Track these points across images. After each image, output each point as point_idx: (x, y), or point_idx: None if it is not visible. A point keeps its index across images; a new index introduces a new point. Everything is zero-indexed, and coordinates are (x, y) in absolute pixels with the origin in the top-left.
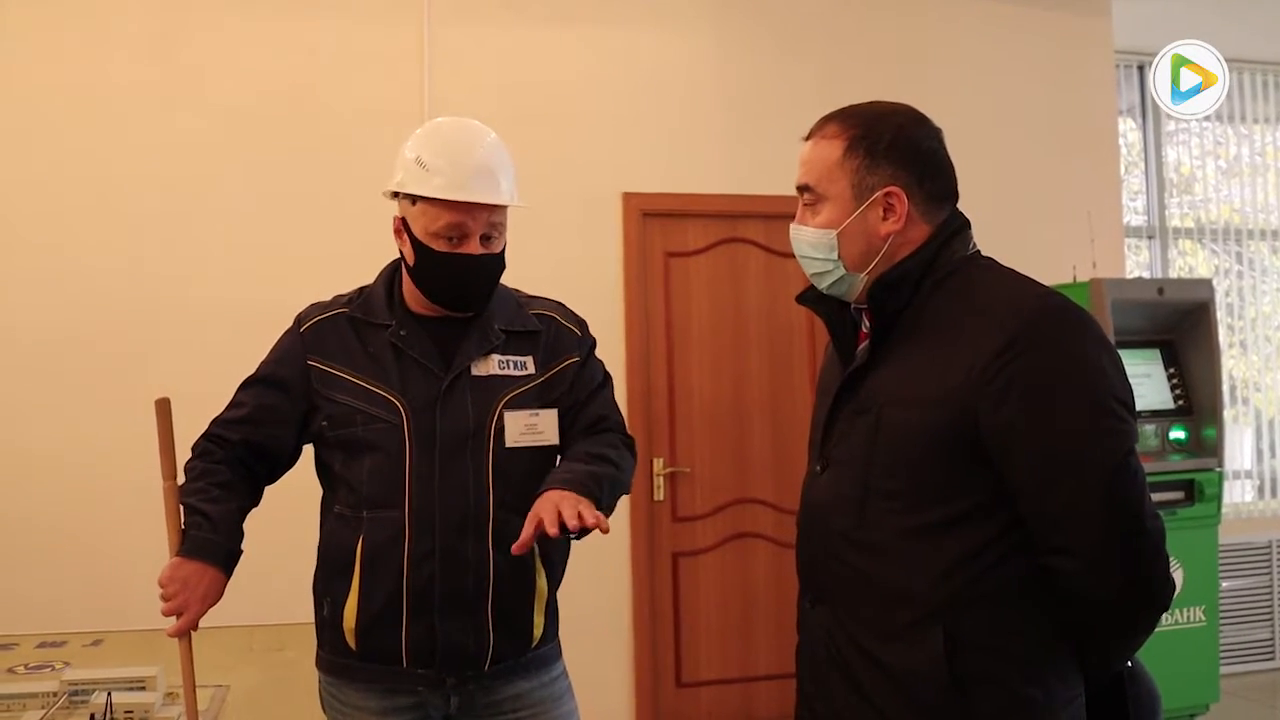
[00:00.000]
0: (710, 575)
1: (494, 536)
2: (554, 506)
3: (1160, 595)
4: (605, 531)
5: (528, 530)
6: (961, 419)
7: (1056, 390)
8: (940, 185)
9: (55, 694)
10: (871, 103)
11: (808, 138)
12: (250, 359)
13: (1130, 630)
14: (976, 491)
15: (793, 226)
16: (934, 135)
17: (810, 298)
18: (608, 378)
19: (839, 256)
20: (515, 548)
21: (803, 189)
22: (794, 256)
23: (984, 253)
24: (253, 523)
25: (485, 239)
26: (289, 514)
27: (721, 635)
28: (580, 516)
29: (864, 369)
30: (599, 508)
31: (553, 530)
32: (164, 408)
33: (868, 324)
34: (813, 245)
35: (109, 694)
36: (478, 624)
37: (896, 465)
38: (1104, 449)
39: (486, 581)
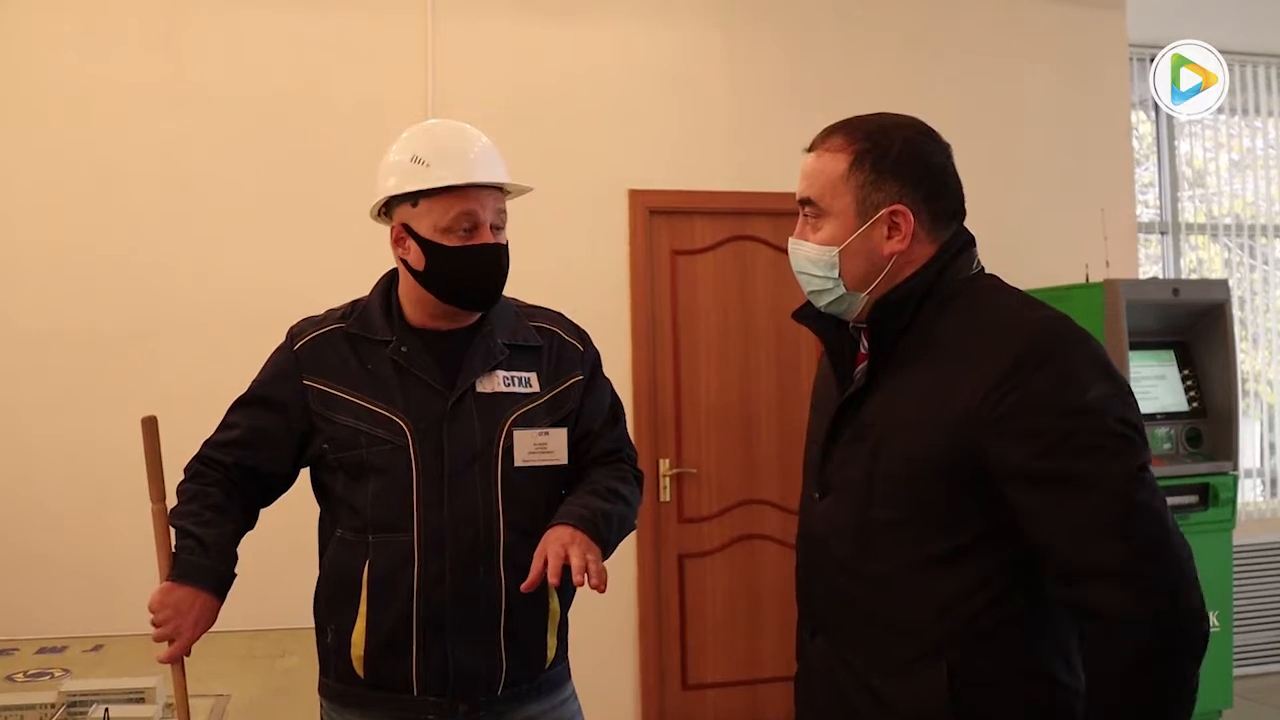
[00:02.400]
0: (717, 577)
1: (505, 558)
2: (562, 549)
3: (1191, 622)
4: (601, 592)
5: (536, 567)
6: (963, 447)
7: (1062, 414)
8: (947, 203)
9: (53, 705)
10: (878, 114)
11: (810, 149)
12: (255, 358)
13: (1156, 672)
14: (978, 523)
15: (791, 241)
16: (943, 150)
17: (808, 314)
18: (618, 404)
19: (840, 275)
20: (524, 586)
21: (804, 203)
22: None
23: (998, 250)
24: (257, 526)
25: (494, 229)
26: (292, 517)
27: (728, 637)
28: (586, 570)
29: (862, 392)
30: (605, 549)
31: (554, 580)
32: (151, 427)
33: (866, 344)
34: (812, 262)
35: (106, 710)
36: (490, 648)
37: (896, 494)
38: (1117, 464)
39: (499, 605)
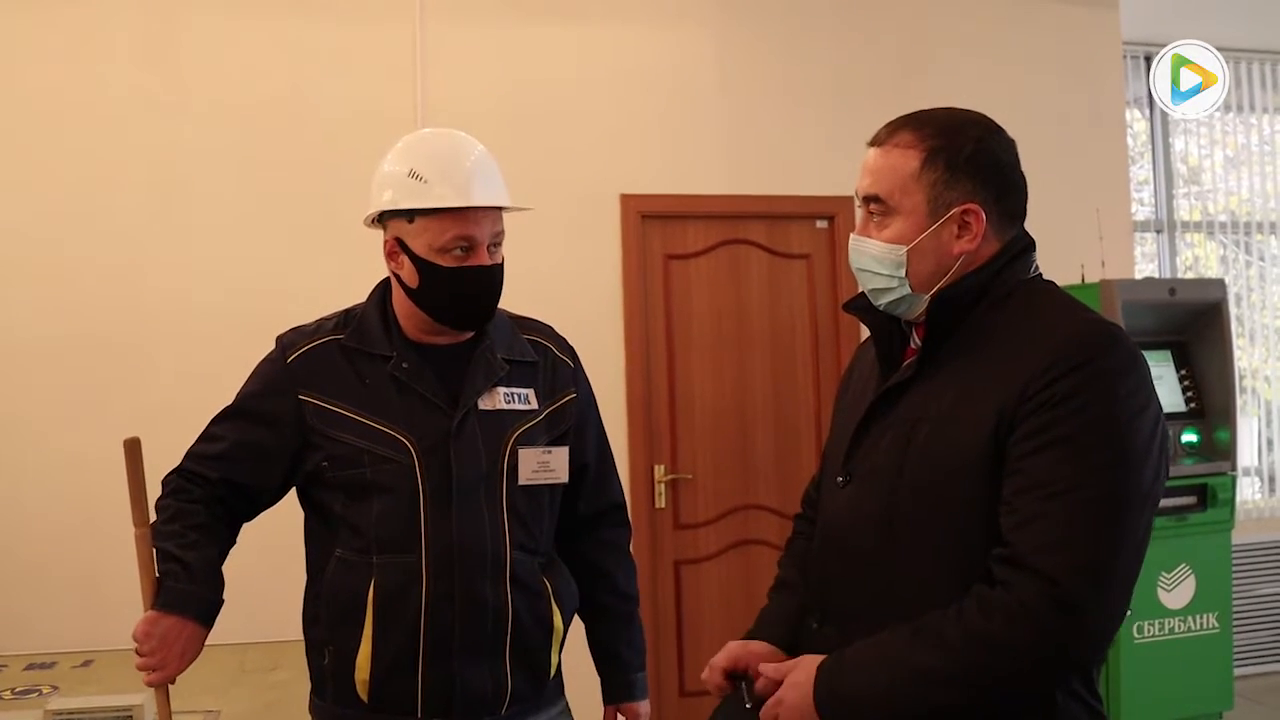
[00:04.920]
0: (713, 583)
1: (511, 577)
2: None
3: (1066, 668)
4: None
5: None
6: (994, 439)
7: (1085, 417)
8: (1015, 203)
9: None
10: (947, 110)
11: (875, 144)
12: (248, 368)
13: (999, 669)
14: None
15: (854, 238)
16: (1010, 148)
17: (860, 306)
18: (607, 440)
19: (906, 274)
20: None
21: (870, 200)
22: (797, 257)
23: None
24: (246, 536)
25: (490, 248)
26: (282, 527)
27: (725, 643)
28: None
29: (902, 384)
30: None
31: None
32: (134, 449)
33: (917, 339)
34: (878, 260)
35: None
36: (496, 668)
37: (923, 486)
38: (1117, 480)
39: (505, 624)
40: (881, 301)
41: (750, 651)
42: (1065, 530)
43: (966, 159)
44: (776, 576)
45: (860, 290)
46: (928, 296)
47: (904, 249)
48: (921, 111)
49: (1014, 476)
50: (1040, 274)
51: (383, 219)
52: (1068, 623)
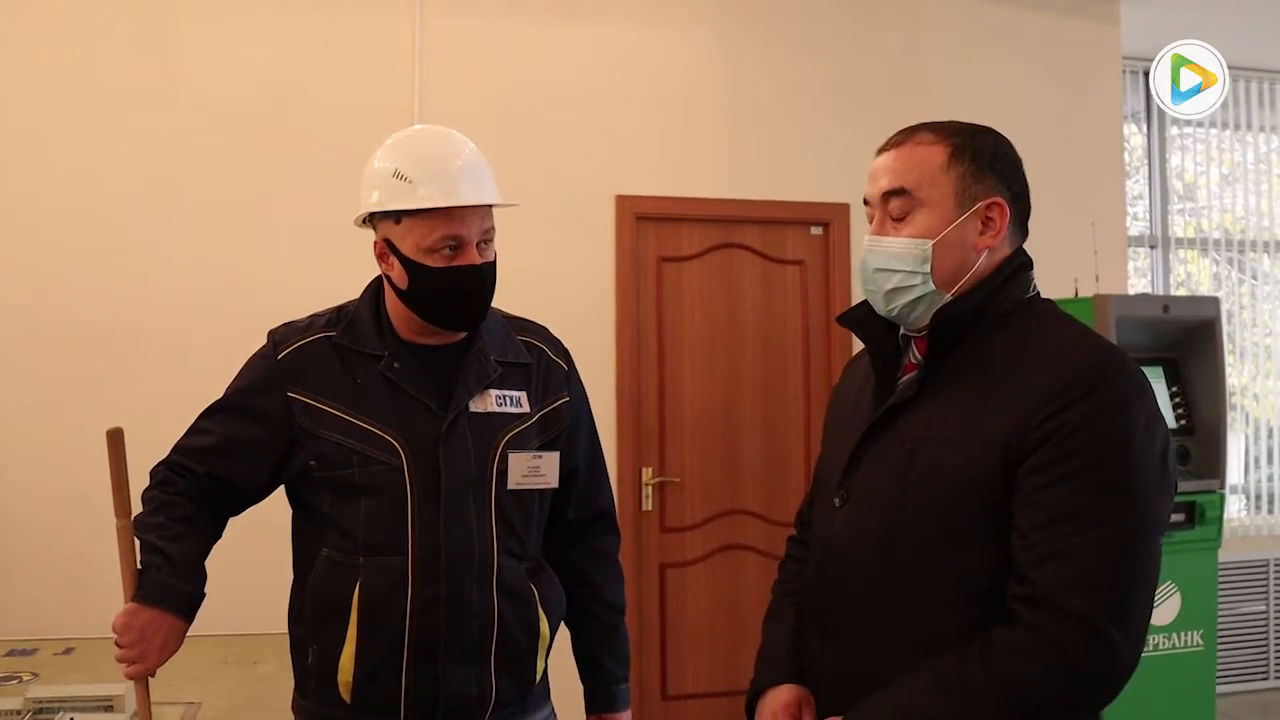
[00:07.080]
0: (698, 587)
1: (498, 582)
2: None
3: (1108, 691)
4: None
5: None
6: (999, 467)
7: (1096, 448)
8: (1026, 211)
9: (19, 712)
10: (954, 121)
11: (892, 146)
12: (239, 361)
13: (1044, 702)
14: (1008, 544)
15: (871, 238)
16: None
17: (855, 319)
18: (599, 445)
19: (930, 269)
20: None
21: (893, 194)
22: (791, 263)
23: None
24: (234, 527)
25: (481, 245)
26: (269, 519)
27: (709, 648)
28: None
29: (903, 403)
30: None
31: None
32: (116, 439)
33: (917, 355)
34: (900, 257)
35: (71, 718)
36: (481, 672)
37: (927, 507)
38: (1132, 512)
39: (491, 629)
40: (898, 303)
41: (783, 704)
42: (1089, 566)
43: (990, 156)
44: (771, 605)
45: (854, 303)
46: (947, 296)
47: (929, 243)
48: (932, 121)
49: (1030, 510)
50: (1038, 292)
51: (372, 220)
52: (1103, 660)
